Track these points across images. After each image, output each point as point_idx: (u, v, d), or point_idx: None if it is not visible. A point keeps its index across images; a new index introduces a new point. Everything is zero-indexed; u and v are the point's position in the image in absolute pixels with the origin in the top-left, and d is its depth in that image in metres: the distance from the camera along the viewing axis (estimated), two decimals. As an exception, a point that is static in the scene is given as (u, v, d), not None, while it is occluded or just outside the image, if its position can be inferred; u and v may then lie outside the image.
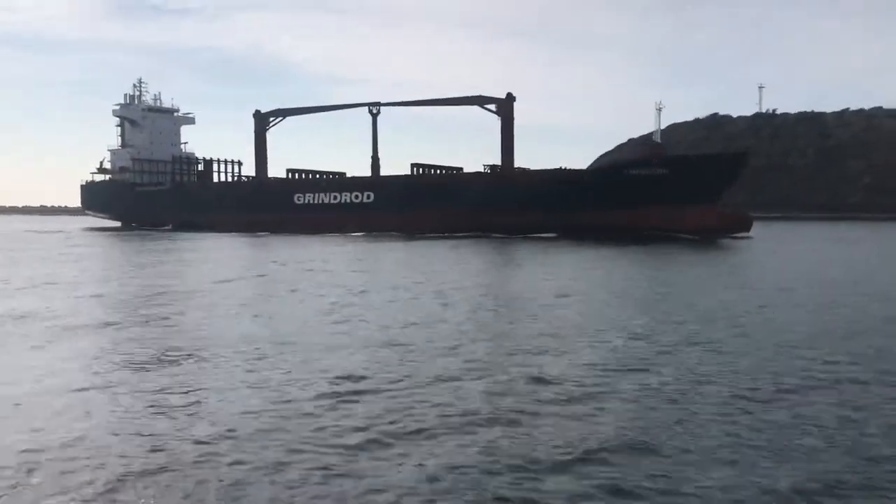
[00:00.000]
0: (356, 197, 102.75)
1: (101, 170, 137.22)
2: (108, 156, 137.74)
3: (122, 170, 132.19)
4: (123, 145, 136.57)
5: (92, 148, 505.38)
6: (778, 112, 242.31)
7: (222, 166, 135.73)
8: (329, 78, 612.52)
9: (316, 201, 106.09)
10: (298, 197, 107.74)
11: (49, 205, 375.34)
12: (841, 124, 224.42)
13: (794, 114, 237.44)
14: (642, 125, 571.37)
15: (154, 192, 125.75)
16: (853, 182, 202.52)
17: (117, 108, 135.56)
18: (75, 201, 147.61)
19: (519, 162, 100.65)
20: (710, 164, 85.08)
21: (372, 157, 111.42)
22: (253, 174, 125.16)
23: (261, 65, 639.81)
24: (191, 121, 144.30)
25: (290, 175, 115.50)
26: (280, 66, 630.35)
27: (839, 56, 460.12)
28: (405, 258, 56.48)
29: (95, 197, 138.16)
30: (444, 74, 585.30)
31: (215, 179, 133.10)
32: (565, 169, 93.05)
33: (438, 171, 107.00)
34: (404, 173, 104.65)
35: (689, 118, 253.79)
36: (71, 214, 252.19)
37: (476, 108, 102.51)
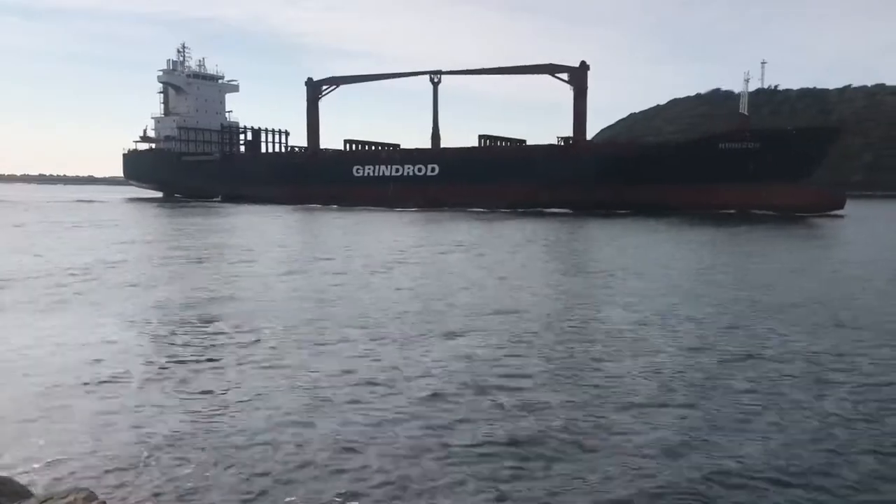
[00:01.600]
0: (419, 170, 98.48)
1: (145, 138, 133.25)
2: (151, 124, 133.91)
3: (168, 139, 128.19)
4: (167, 113, 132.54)
5: (129, 116, 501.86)
6: (780, 88, 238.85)
7: (270, 136, 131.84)
8: (336, 51, 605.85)
9: (376, 174, 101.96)
10: (357, 169, 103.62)
11: (97, 175, 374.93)
12: (843, 101, 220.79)
13: (796, 90, 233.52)
14: (644, 100, 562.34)
15: (202, 162, 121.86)
16: (854, 160, 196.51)
17: (161, 74, 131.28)
18: (119, 171, 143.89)
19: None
20: (803, 138, 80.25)
21: (432, 128, 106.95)
22: (302, 145, 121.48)
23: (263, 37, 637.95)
24: (235, 88, 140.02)
25: (347, 146, 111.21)
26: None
27: (844, 34, 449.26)
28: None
29: (138, 166, 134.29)
30: (452, 48, 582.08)
31: (263, 150, 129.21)
32: (651, 141, 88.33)
33: (505, 143, 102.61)
34: (470, 145, 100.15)
35: (692, 93, 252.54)
36: (115, 184, 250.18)
37: (547, 76, 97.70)
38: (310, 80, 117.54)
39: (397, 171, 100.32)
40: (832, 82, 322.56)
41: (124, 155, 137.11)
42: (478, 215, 78.26)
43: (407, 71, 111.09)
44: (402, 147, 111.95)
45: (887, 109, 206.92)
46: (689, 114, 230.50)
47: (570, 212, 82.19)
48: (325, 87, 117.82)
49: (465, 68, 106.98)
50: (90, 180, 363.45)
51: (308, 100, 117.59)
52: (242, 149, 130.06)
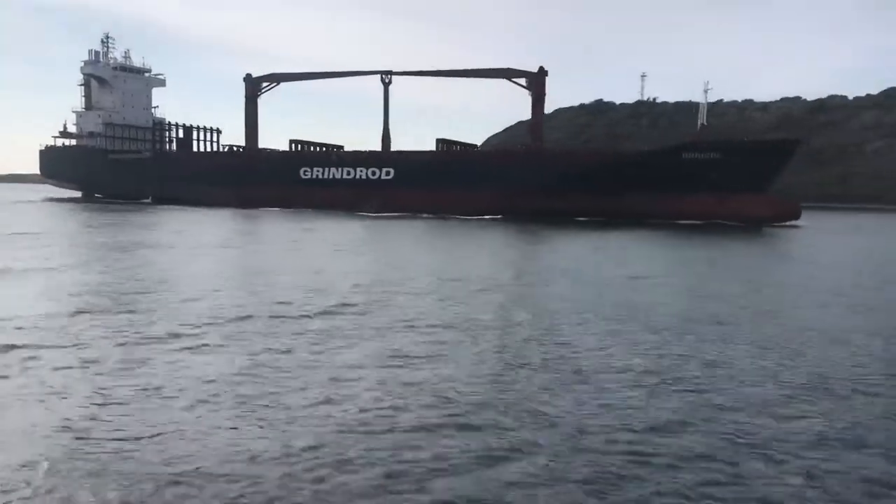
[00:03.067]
0: (373, 173, 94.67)
1: (65, 134, 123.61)
2: (71, 118, 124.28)
3: (92, 135, 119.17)
4: (89, 107, 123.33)
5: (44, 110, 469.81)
6: (658, 100, 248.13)
7: (201, 134, 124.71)
8: (203, 45, 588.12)
9: (326, 176, 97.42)
10: (305, 171, 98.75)
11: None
12: (715, 114, 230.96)
13: (673, 102, 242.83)
14: (525, 109, 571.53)
15: (132, 160, 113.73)
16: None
17: (83, 65, 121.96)
18: (31, 168, 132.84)
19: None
20: (763, 150, 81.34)
21: (383, 131, 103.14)
22: (238, 144, 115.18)
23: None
24: (162, 83, 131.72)
25: (293, 147, 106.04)
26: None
27: (718, 50, 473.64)
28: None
29: (58, 164, 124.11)
30: (342, 51, 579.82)
31: (194, 149, 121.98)
32: (612, 150, 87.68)
33: (458, 147, 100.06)
34: (428, 149, 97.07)
35: (575, 103, 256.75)
36: (27, 182, 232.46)
37: (504, 81, 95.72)
38: (248, 76, 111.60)
39: (349, 173, 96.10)
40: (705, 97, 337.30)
41: (41, 151, 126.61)
42: (443, 223, 75.46)
43: (355, 70, 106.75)
44: (345, 150, 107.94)
45: (755, 125, 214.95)
46: (573, 123, 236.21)
47: (536, 219, 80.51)
48: (264, 84, 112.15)
49: (417, 69, 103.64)
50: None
51: (246, 97, 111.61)
52: (174, 147, 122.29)
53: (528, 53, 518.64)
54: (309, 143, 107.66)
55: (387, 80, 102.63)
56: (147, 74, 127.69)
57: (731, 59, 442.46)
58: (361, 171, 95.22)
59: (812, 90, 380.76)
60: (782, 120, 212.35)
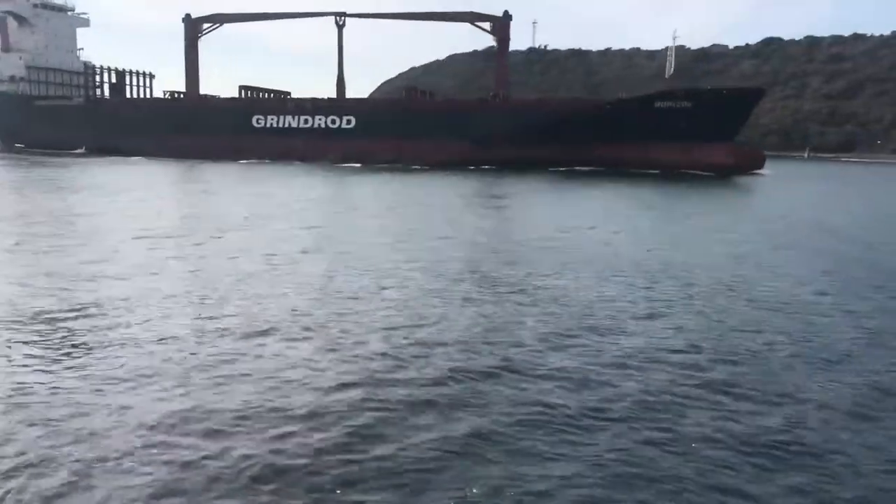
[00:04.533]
0: (333, 121, 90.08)
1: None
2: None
3: (13, 79, 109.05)
4: (6, 49, 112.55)
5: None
6: (550, 48, 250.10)
7: (133, 79, 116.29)
8: None
9: (281, 125, 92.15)
10: (258, 119, 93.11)
11: None
12: (605, 62, 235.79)
13: (564, 50, 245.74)
14: (426, 55, 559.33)
15: (61, 107, 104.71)
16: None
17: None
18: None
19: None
20: (730, 99, 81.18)
21: (337, 77, 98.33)
22: (173, 90, 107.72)
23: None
24: (86, 22, 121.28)
25: (244, 94, 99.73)
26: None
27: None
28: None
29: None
30: None
31: (128, 95, 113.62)
32: (585, 98, 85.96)
33: (429, 97, 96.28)
34: (393, 97, 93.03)
35: (469, 50, 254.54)
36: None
37: (466, 25, 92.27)
38: (188, 16, 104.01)
39: (306, 122, 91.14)
40: (594, 44, 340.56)
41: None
42: (406, 172, 72.52)
43: (305, 11, 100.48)
44: (292, 96, 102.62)
45: (642, 71, 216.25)
46: (468, 70, 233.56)
47: (501, 169, 78.55)
48: (206, 26, 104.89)
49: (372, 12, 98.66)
50: None
51: (186, 38, 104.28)
52: (105, 93, 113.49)
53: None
54: (261, 90, 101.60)
55: (340, 23, 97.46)
56: (70, 13, 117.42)
57: (620, 8, 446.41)
58: (320, 119, 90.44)
59: (696, 40, 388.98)
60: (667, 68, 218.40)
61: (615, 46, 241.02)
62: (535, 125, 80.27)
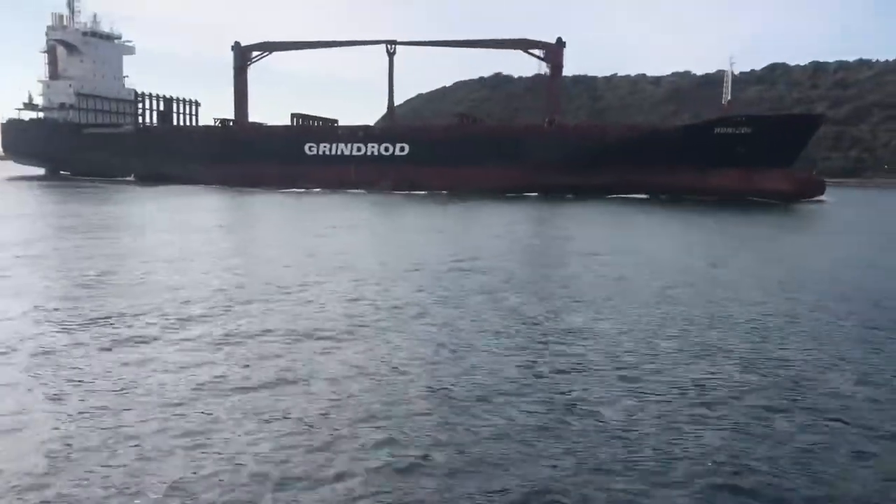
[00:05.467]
0: (386, 149, 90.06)
1: (30, 106, 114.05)
2: (36, 89, 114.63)
3: (63, 107, 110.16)
4: (55, 77, 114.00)
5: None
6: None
7: (180, 107, 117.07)
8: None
9: (334, 152, 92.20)
10: (310, 147, 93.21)
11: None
12: (609, 88, 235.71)
13: (570, 76, 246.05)
14: (433, 81, 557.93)
15: (111, 134, 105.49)
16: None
17: (49, 29, 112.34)
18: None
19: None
20: (789, 125, 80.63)
21: (388, 104, 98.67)
22: (223, 118, 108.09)
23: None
24: (131, 50, 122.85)
25: (295, 121, 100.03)
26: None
27: (612, 25, 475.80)
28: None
29: (22, 139, 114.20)
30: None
31: (175, 122, 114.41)
32: (641, 124, 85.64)
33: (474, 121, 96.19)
34: (446, 123, 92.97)
35: (475, 76, 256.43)
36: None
37: (520, 52, 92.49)
38: (237, 44, 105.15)
39: (359, 150, 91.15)
40: (601, 70, 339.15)
41: (2, 125, 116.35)
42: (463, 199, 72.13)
43: (356, 39, 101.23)
44: (339, 124, 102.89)
45: (646, 96, 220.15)
46: (472, 97, 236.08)
47: (571, 196, 78.10)
48: (255, 54, 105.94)
49: (422, 39, 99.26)
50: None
51: (235, 67, 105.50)
52: (153, 120, 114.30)
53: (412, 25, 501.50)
54: (312, 118, 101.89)
55: (391, 51, 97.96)
56: (117, 41, 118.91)
57: (625, 34, 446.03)
58: (373, 146, 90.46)
59: (701, 65, 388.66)
60: (672, 94, 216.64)
61: (621, 73, 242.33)
62: (594, 153, 79.93)
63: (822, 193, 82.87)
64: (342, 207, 60.80)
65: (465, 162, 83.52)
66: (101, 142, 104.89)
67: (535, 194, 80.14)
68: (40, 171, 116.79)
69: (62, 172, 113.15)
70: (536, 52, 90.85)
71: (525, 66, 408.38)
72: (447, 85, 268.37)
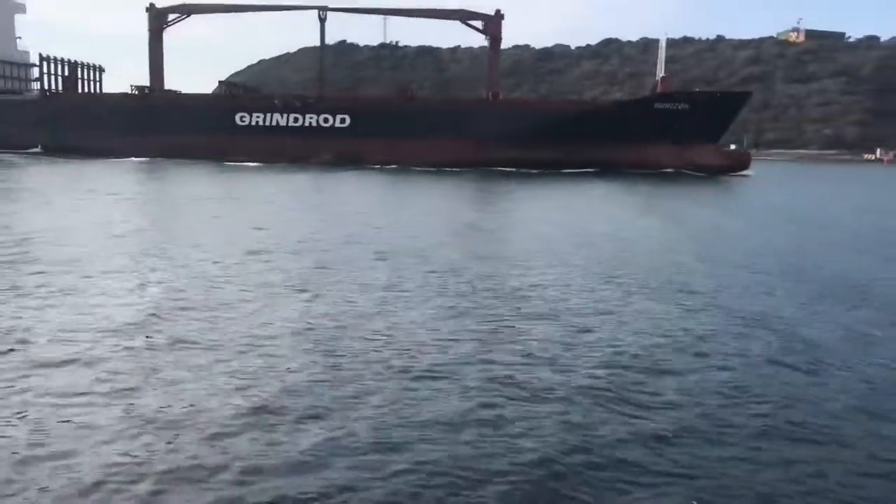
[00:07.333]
0: (325, 120, 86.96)
1: None
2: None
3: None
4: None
5: None
6: (401, 44, 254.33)
7: (84, 72, 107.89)
8: None
9: (269, 123, 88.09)
10: (242, 117, 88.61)
11: None
12: (454, 59, 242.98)
13: (415, 47, 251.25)
14: (277, 47, 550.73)
15: (10, 102, 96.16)
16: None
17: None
18: None
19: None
20: (723, 101, 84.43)
21: (319, 73, 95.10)
22: (140, 85, 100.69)
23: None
24: (22, 9, 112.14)
25: (224, 89, 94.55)
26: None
27: None
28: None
29: None
30: None
31: (79, 89, 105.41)
32: (584, 100, 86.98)
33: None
34: (387, 94, 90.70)
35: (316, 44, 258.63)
36: None
37: (458, 23, 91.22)
38: (152, 5, 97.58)
39: (296, 120, 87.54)
40: (445, 42, 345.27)
41: None
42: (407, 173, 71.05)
43: (285, 4, 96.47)
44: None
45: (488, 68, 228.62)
46: (316, 65, 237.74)
47: (511, 170, 78.36)
48: (172, 16, 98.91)
49: (356, 7, 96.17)
50: None
51: (150, 30, 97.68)
52: (59, 87, 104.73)
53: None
54: (243, 87, 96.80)
55: (322, 17, 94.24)
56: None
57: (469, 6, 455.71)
58: (311, 117, 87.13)
59: (538, 40, 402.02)
60: (513, 67, 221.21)
61: (464, 45, 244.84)
62: (537, 127, 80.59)
63: (747, 168, 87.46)
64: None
65: (409, 135, 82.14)
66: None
67: (486, 168, 79.67)
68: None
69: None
70: (475, 23, 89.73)
71: (370, 34, 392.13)
72: (291, 51, 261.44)
